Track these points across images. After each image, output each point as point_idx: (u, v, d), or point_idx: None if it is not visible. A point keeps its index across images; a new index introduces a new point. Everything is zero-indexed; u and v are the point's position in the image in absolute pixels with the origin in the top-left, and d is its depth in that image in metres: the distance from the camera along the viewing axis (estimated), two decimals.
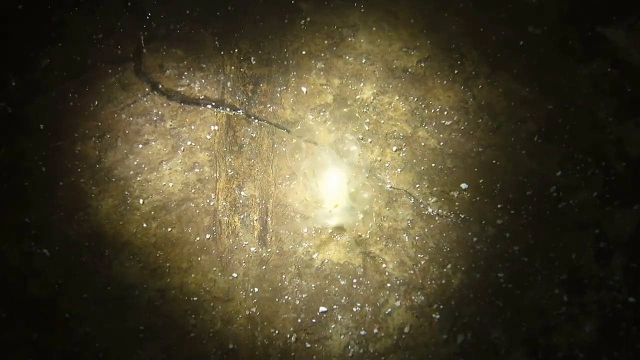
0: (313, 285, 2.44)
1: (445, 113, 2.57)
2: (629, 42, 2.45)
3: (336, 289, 2.43)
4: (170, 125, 2.62)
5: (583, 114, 2.46)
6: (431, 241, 2.45)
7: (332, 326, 2.39)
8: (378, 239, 2.47)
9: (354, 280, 2.43)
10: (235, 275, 2.46)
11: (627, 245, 2.29)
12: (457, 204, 2.47)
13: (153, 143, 2.60)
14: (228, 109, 2.64)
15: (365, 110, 2.61)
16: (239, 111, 2.64)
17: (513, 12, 2.65)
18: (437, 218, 2.48)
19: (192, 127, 2.62)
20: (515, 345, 2.29)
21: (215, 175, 2.58)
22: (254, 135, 2.62)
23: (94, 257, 2.47)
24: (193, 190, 2.56)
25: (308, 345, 2.37)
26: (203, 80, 2.67)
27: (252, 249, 2.49)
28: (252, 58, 2.68)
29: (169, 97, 2.65)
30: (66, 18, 2.73)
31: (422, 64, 2.62)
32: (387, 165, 2.55)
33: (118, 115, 2.62)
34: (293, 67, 2.67)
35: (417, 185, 2.52)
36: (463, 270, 2.40)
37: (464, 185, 2.48)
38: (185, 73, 2.68)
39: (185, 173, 2.58)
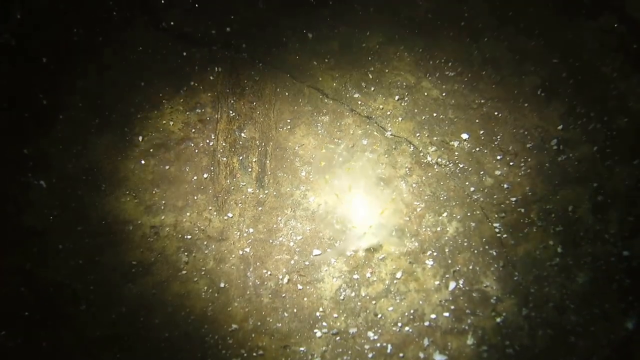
0: (308, 228, 2.43)
1: (450, 64, 2.55)
2: None
3: (331, 232, 2.42)
4: (174, 64, 2.61)
5: (587, 69, 2.45)
6: (428, 189, 2.44)
7: (325, 269, 2.38)
8: (375, 186, 2.46)
9: (349, 225, 2.42)
10: (230, 215, 2.46)
11: (625, 200, 2.28)
12: (456, 153, 2.46)
13: (155, 81, 2.59)
14: (233, 51, 2.63)
15: (369, 58, 2.59)
16: (243, 54, 2.63)
17: None
18: (435, 167, 2.47)
19: (196, 68, 2.61)
20: (507, 294, 2.28)
21: (216, 116, 2.57)
22: (257, 78, 2.61)
23: (90, 191, 2.47)
24: (193, 130, 2.55)
25: (300, 286, 2.37)
26: (209, 22, 2.66)
27: (249, 190, 2.49)
28: (260, 2, 2.67)
29: (173, 36, 2.64)
30: None
31: (430, 15, 2.61)
32: (388, 113, 2.54)
33: (121, 52, 2.61)
34: (300, 13, 2.66)
35: (418, 134, 2.51)
36: (458, 219, 2.39)
37: (464, 136, 2.47)
38: (191, 14, 2.67)
39: (187, 112, 2.57)
